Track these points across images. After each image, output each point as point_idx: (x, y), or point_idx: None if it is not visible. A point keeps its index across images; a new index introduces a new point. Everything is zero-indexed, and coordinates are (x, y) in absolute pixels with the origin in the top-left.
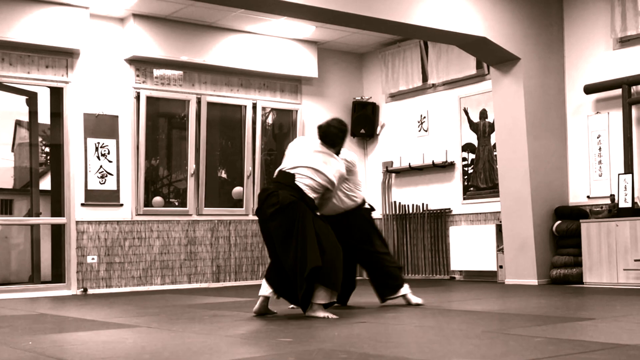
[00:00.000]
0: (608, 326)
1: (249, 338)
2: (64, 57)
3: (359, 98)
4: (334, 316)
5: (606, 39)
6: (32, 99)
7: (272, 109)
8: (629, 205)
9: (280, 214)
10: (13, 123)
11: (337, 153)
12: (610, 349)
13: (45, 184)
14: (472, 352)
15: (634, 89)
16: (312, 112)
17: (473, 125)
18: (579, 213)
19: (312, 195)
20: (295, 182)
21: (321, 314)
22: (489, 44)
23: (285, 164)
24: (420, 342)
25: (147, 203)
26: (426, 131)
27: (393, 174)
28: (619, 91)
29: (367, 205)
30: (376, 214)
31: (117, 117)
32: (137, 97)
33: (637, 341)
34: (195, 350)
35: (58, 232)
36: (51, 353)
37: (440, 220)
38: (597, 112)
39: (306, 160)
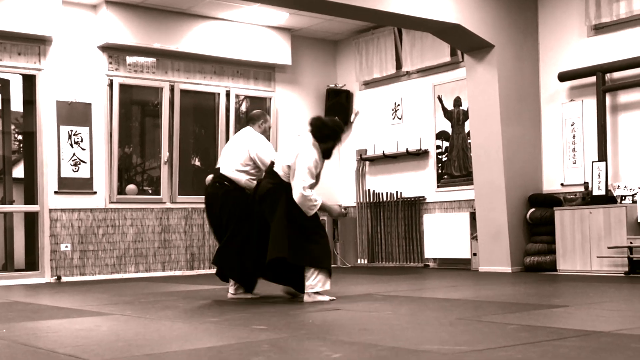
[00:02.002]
0: (581, 313)
1: (223, 326)
2: (36, 44)
3: (333, 86)
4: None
5: (580, 26)
6: (4, 87)
7: (246, 97)
8: (603, 192)
9: (262, 201)
10: None
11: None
12: (584, 336)
13: (19, 171)
14: (445, 340)
15: (608, 76)
16: (285, 100)
17: (447, 113)
18: (553, 201)
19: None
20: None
21: (326, 297)
22: (463, 31)
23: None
24: (394, 329)
25: (121, 191)
26: (400, 119)
27: (367, 162)
28: (593, 79)
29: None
30: (350, 202)
31: (90, 104)
32: (110, 85)
33: (610, 328)
34: (169, 338)
35: (31, 220)
36: (25, 340)
37: (414, 208)
38: (571, 100)
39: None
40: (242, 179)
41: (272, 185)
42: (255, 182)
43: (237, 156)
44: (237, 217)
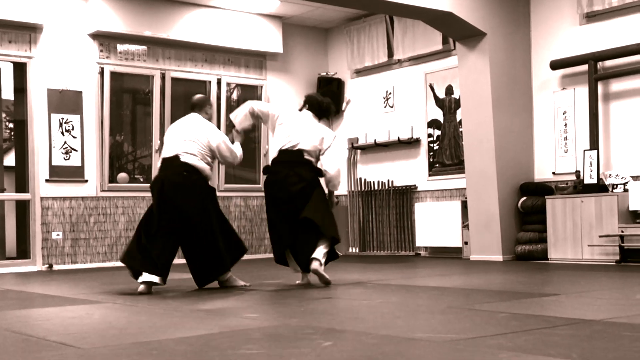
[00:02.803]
0: (572, 302)
1: (215, 314)
2: (27, 32)
3: (324, 74)
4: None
5: (572, 14)
6: None
7: (237, 85)
8: (594, 181)
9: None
10: None
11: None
12: (575, 324)
13: (10, 159)
14: (436, 328)
15: (600, 64)
16: (277, 88)
17: (439, 102)
18: (544, 189)
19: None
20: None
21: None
22: (454, 19)
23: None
24: (386, 317)
25: (112, 179)
26: (392, 107)
27: (358, 151)
28: (585, 67)
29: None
30: (342, 190)
31: (81, 92)
32: (101, 73)
33: (601, 316)
34: (160, 326)
35: (23, 208)
36: (17, 329)
37: (405, 196)
38: (563, 88)
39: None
40: (207, 169)
41: (305, 183)
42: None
43: (195, 145)
44: (209, 210)
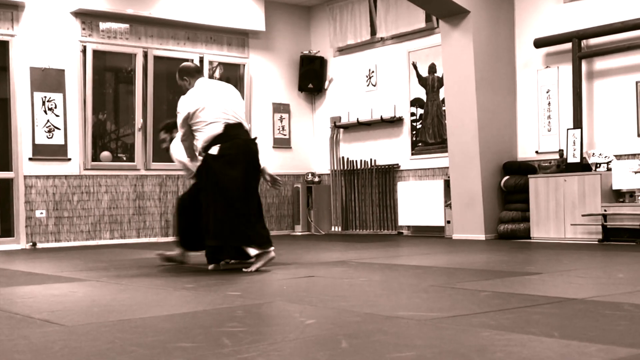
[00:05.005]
0: (555, 280)
1: (198, 291)
2: (9, 9)
3: (307, 52)
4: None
5: None
6: None
7: (220, 63)
8: (578, 160)
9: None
10: None
11: None
12: (557, 303)
13: None
14: (419, 306)
15: (584, 42)
16: (259, 67)
17: (422, 80)
18: (528, 168)
19: None
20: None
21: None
22: None
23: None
24: (368, 295)
25: (95, 158)
26: (374, 86)
27: (341, 130)
28: (568, 45)
29: None
30: (324, 169)
31: (63, 70)
32: (84, 51)
33: (583, 295)
34: (144, 303)
35: (6, 187)
36: (0, 306)
37: (388, 175)
38: (547, 67)
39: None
40: None
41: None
42: None
43: (242, 116)
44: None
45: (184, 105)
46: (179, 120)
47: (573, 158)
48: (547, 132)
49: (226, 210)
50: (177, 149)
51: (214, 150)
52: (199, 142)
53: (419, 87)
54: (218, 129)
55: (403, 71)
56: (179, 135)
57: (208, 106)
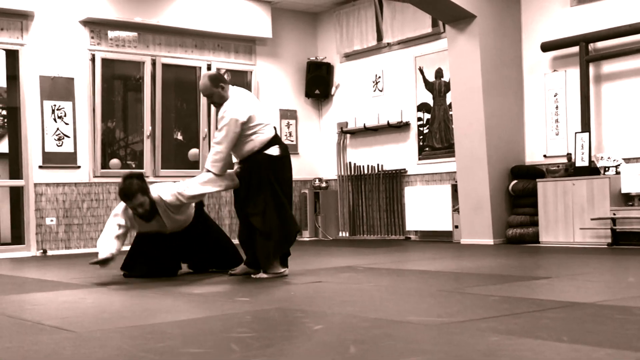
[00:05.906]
0: (564, 285)
1: (207, 297)
2: (18, 19)
3: (314, 58)
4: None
5: None
6: None
7: (227, 70)
8: (586, 164)
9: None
10: None
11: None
12: (566, 307)
13: (3, 146)
14: (427, 311)
15: (591, 46)
16: (266, 73)
17: (428, 85)
18: (536, 172)
19: None
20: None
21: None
22: (444, 2)
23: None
24: (376, 301)
25: (105, 165)
26: (381, 91)
27: (348, 135)
28: (576, 49)
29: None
30: (332, 175)
31: (72, 79)
32: (92, 59)
33: (592, 299)
34: (154, 310)
35: (17, 195)
36: (11, 313)
37: (395, 180)
38: (554, 70)
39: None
40: None
41: None
42: None
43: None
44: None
45: (239, 110)
46: (230, 126)
47: (581, 162)
48: (555, 135)
49: (289, 209)
50: (192, 186)
51: (274, 151)
52: (252, 145)
53: (425, 92)
54: (272, 131)
55: (410, 76)
56: (184, 186)
57: (260, 109)
